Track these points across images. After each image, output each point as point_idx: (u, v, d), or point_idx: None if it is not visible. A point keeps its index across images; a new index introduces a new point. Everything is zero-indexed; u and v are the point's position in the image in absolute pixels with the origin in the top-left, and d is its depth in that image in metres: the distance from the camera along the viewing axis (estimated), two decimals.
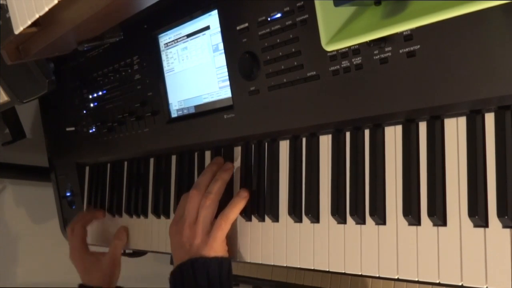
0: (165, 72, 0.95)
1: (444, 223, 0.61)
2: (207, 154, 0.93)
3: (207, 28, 0.85)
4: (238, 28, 0.79)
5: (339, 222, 0.71)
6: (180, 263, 0.83)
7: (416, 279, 0.63)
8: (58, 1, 0.69)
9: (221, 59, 0.83)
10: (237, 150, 0.87)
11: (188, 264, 0.81)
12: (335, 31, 0.57)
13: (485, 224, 0.58)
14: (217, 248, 0.81)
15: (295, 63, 0.72)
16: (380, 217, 0.67)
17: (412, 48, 0.60)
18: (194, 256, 0.81)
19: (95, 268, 1.08)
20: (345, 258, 0.70)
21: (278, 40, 0.73)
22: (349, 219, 0.70)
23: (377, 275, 0.67)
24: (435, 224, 0.62)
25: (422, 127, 0.64)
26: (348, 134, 0.72)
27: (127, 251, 1.17)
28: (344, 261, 0.70)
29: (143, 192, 1.06)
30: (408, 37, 0.60)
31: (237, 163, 0.87)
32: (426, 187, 0.63)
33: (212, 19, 0.84)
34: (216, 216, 0.83)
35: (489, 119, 0.58)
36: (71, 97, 1.19)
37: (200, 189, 0.84)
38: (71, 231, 1.13)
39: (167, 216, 1.00)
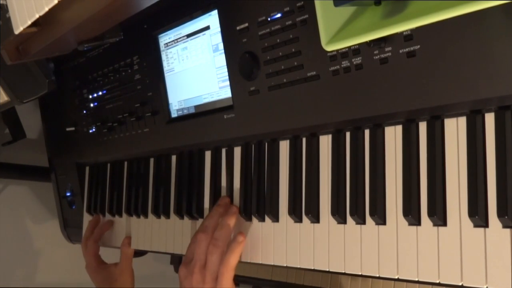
0: (165, 72, 0.95)
1: (444, 223, 0.61)
2: (207, 154, 0.93)
3: (207, 28, 0.85)
4: (238, 28, 0.79)
5: (339, 222, 0.71)
6: None
7: (416, 279, 0.63)
8: (58, 1, 0.69)
9: (221, 59, 0.83)
10: (237, 150, 0.87)
11: None
12: (335, 31, 0.57)
13: (485, 224, 0.58)
14: None
15: (295, 63, 0.72)
16: (380, 217, 0.67)
17: (412, 48, 0.60)
18: None
19: (110, 279, 1.12)
20: (345, 258, 0.70)
21: (278, 40, 0.73)
22: (349, 219, 0.70)
23: (377, 275, 0.67)
24: (435, 224, 0.62)
25: (422, 127, 0.64)
26: (348, 134, 0.72)
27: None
28: (344, 261, 0.70)
29: (143, 192, 1.06)
30: (408, 37, 0.60)
31: (237, 163, 0.87)
32: (426, 187, 0.63)
33: (212, 19, 0.84)
34: None
35: (489, 119, 0.58)
36: (71, 97, 1.19)
37: (208, 233, 0.85)
38: (84, 247, 1.17)
39: (167, 216, 1.00)
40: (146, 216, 1.05)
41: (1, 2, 0.81)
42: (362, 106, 0.66)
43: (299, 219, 0.77)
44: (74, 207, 1.29)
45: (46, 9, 0.71)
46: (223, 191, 0.89)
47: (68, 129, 1.20)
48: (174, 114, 0.95)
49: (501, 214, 0.56)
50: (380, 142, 0.68)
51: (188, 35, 0.89)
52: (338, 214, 0.71)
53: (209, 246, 0.84)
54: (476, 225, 0.58)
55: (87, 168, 1.26)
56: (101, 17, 0.75)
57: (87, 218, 1.23)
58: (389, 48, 0.62)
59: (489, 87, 0.54)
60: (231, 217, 0.85)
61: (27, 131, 1.42)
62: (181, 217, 0.97)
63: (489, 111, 0.58)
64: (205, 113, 0.88)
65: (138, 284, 1.16)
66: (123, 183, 1.13)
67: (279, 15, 0.72)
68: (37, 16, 0.73)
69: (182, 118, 0.93)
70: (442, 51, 0.57)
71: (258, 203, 0.82)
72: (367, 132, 0.70)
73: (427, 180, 0.63)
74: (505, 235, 0.56)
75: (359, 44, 0.64)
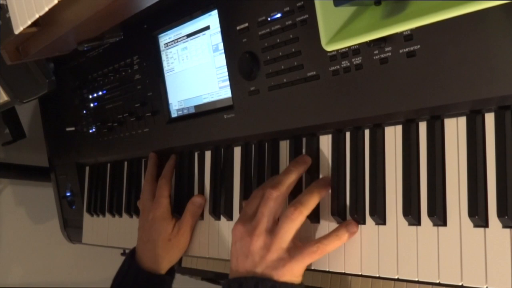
0: (165, 72, 0.95)
1: (444, 223, 0.61)
2: (207, 154, 0.93)
3: (207, 28, 0.85)
4: (238, 28, 0.79)
5: (339, 222, 0.71)
6: (241, 276, 0.70)
7: (416, 279, 0.63)
8: (58, 1, 0.69)
9: (221, 59, 0.83)
10: (237, 150, 0.87)
11: (251, 283, 0.67)
12: (335, 31, 0.57)
13: (485, 224, 0.58)
14: (297, 272, 0.67)
15: (295, 63, 0.72)
16: (380, 217, 0.67)
17: (412, 48, 0.60)
18: (263, 274, 0.68)
19: (163, 234, 0.92)
20: (345, 258, 0.70)
21: (278, 40, 0.73)
22: (349, 219, 0.70)
23: (377, 275, 0.67)
24: (435, 224, 0.62)
25: (422, 127, 0.64)
26: (348, 134, 0.72)
27: (127, 251, 1.17)
28: (344, 261, 0.70)
29: None
30: (408, 37, 0.60)
31: (237, 163, 0.87)
32: (426, 187, 0.63)
33: (212, 19, 0.84)
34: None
35: (489, 119, 0.58)
36: (71, 97, 1.19)
37: (280, 191, 0.70)
38: (153, 183, 0.97)
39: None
40: None
41: (1, 2, 0.81)
42: (362, 106, 0.66)
43: None
44: (74, 207, 1.29)
45: (46, 9, 0.71)
46: (223, 191, 0.89)
47: (68, 129, 1.20)
48: (174, 114, 0.95)
49: (501, 214, 0.56)
50: (380, 142, 0.68)
51: (188, 35, 0.89)
52: (338, 214, 0.71)
53: (289, 208, 0.68)
54: (476, 225, 0.58)
55: (87, 168, 1.26)
56: (101, 17, 0.75)
57: (87, 218, 1.23)
58: (389, 48, 0.62)
59: (489, 87, 0.54)
60: (324, 187, 0.70)
61: (27, 131, 1.42)
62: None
63: (489, 111, 0.58)
64: (205, 113, 0.88)
65: None
66: (123, 183, 1.13)
67: (279, 15, 0.72)
68: (37, 16, 0.73)
69: (182, 118, 0.93)
70: (442, 51, 0.57)
71: None
72: (367, 132, 0.70)
73: (427, 180, 0.63)
74: (505, 235, 0.56)
75: (359, 44, 0.64)
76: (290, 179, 0.72)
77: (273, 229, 0.69)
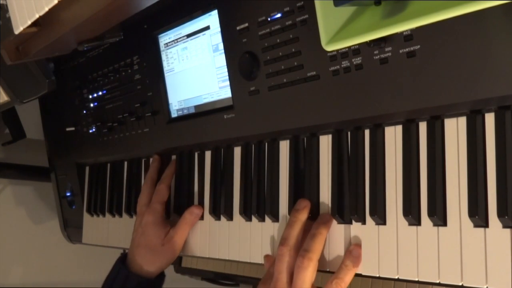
0: (165, 72, 0.95)
1: (444, 223, 0.61)
2: (207, 154, 0.93)
3: (207, 28, 0.85)
4: (238, 28, 0.79)
5: (339, 222, 0.71)
6: None
7: (416, 279, 0.63)
8: (58, 1, 0.69)
9: (221, 59, 0.83)
10: (237, 150, 0.87)
11: None
12: (335, 31, 0.57)
13: (485, 224, 0.58)
14: None
15: (295, 63, 0.72)
16: (380, 217, 0.67)
17: (412, 48, 0.60)
18: None
19: (155, 240, 0.93)
20: None
21: (278, 40, 0.73)
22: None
23: (377, 275, 0.67)
24: (435, 224, 0.62)
25: (422, 127, 0.64)
26: (348, 134, 0.72)
27: (126, 251, 1.17)
28: None
29: None
30: (408, 37, 0.60)
31: (237, 163, 0.87)
32: (426, 187, 0.63)
33: (212, 19, 0.84)
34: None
35: (489, 119, 0.58)
36: (71, 97, 1.19)
37: (288, 245, 0.71)
38: (151, 187, 0.97)
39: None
40: None
41: (1, 2, 0.81)
42: (362, 106, 0.66)
43: None
44: (74, 207, 1.29)
45: (46, 9, 0.71)
46: (223, 191, 0.89)
47: (68, 129, 1.20)
48: (174, 114, 0.95)
49: (501, 214, 0.56)
50: (380, 142, 0.68)
51: (188, 35, 0.89)
52: (338, 214, 0.71)
53: (297, 259, 0.69)
54: (476, 225, 0.58)
55: (87, 168, 1.26)
56: (101, 17, 0.75)
57: (87, 218, 1.23)
58: (389, 48, 0.62)
59: (489, 87, 0.54)
60: (324, 226, 0.71)
61: (27, 131, 1.42)
62: None
63: (489, 111, 0.58)
64: (205, 113, 0.88)
65: None
66: (123, 183, 1.13)
67: (279, 15, 0.73)
68: (37, 16, 0.73)
69: (182, 118, 0.93)
70: (442, 51, 0.57)
71: (258, 203, 0.82)
72: (367, 132, 0.70)
73: (427, 180, 0.63)
74: (505, 235, 0.56)
75: (359, 44, 0.64)
76: (296, 231, 0.72)
77: (291, 283, 0.70)
